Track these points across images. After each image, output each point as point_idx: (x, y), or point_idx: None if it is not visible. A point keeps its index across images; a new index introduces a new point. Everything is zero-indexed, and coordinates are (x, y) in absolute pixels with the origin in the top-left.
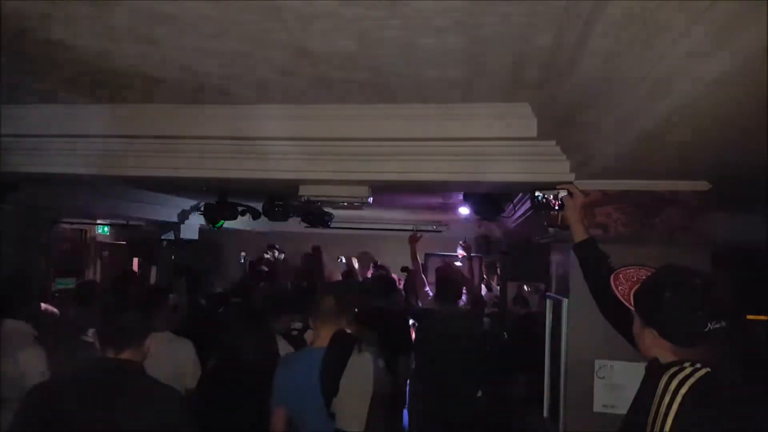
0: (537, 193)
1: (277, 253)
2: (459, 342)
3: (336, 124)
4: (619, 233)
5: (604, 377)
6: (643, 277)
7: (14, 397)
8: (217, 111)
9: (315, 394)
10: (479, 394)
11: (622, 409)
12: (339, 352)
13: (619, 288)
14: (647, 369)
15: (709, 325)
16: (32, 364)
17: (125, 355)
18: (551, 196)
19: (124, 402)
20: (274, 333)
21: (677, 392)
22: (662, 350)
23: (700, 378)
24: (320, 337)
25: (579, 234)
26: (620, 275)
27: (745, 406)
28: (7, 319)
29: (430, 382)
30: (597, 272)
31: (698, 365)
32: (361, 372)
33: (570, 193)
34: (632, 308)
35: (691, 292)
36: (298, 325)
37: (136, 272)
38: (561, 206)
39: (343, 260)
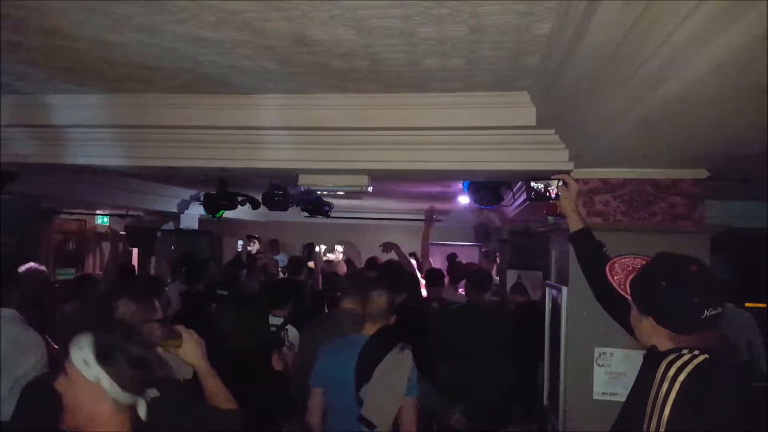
0: (533, 183)
1: (254, 243)
2: (489, 332)
3: (335, 114)
4: (618, 221)
5: (603, 365)
6: (639, 266)
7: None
8: (216, 100)
9: (349, 377)
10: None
11: (622, 396)
12: (381, 343)
13: (615, 277)
14: (646, 357)
15: (705, 312)
16: (33, 348)
17: None
18: (547, 186)
19: None
20: (267, 322)
21: (675, 379)
22: (660, 338)
23: (699, 364)
24: (366, 328)
25: (575, 223)
26: (616, 264)
27: (743, 391)
28: None
29: (462, 375)
30: (593, 262)
31: (696, 352)
32: (397, 368)
33: (565, 183)
34: (629, 297)
35: (687, 280)
36: (277, 320)
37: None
38: (557, 196)
39: (340, 251)
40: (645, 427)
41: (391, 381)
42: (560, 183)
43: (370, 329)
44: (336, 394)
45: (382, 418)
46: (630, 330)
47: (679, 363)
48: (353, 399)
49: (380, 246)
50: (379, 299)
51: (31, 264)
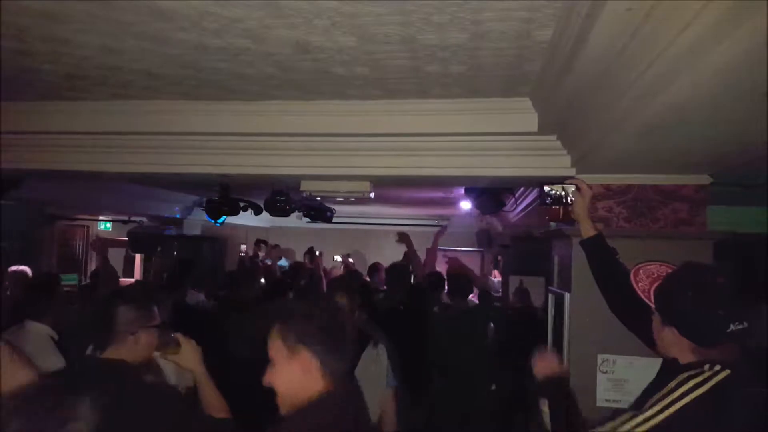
0: (546, 188)
1: (243, 247)
2: (471, 336)
3: (337, 120)
4: (621, 227)
5: (606, 371)
6: (664, 274)
7: None
8: (218, 107)
9: None
10: (493, 387)
11: (625, 403)
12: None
13: (640, 284)
14: (664, 367)
15: (731, 326)
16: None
17: (110, 353)
18: (561, 191)
19: (110, 402)
20: (263, 326)
21: (693, 390)
22: (682, 349)
23: (720, 380)
24: None
25: (587, 230)
26: (640, 271)
27: (763, 409)
28: (29, 320)
29: (443, 376)
30: (606, 268)
31: (718, 367)
32: (375, 365)
33: (578, 188)
34: (652, 305)
35: (713, 292)
36: None
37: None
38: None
39: (340, 259)
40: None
41: (371, 377)
42: (573, 188)
43: None
44: None
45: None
46: (645, 339)
47: (698, 379)
48: None
49: (396, 236)
50: (340, 301)
51: (18, 267)
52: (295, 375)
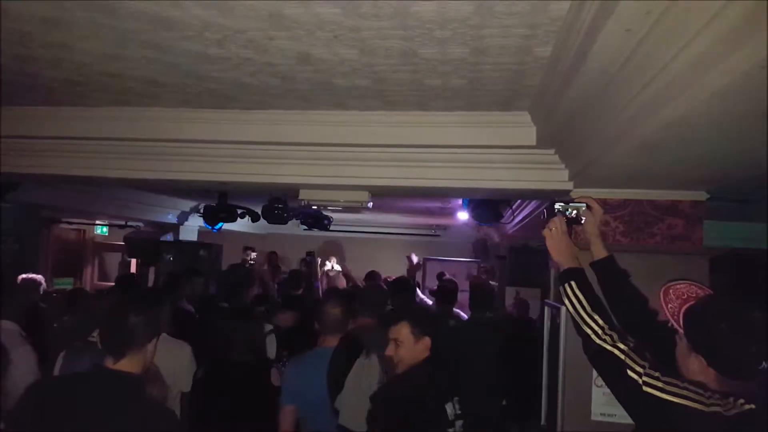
0: (557, 206)
1: (253, 255)
2: (486, 350)
3: (337, 130)
4: (618, 242)
5: (601, 385)
6: (694, 295)
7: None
8: (219, 115)
9: (321, 391)
10: (504, 402)
11: (620, 417)
12: (347, 353)
13: (669, 305)
14: None
15: (764, 363)
16: (23, 363)
17: (124, 363)
18: (578, 211)
19: (114, 418)
20: (263, 333)
21: (709, 406)
22: (707, 379)
23: (741, 412)
24: (327, 340)
25: (599, 250)
26: (670, 291)
27: None
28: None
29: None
30: (620, 292)
31: (742, 401)
32: (367, 374)
33: (589, 207)
34: (680, 330)
35: (749, 326)
36: (267, 327)
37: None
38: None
39: (336, 266)
40: None
41: (362, 387)
42: (584, 206)
43: (330, 341)
44: (310, 406)
45: (359, 424)
46: (663, 360)
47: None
48: (329, 411)
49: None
50: (333, 311)
51: (29, 275)
52: (416, 351)
